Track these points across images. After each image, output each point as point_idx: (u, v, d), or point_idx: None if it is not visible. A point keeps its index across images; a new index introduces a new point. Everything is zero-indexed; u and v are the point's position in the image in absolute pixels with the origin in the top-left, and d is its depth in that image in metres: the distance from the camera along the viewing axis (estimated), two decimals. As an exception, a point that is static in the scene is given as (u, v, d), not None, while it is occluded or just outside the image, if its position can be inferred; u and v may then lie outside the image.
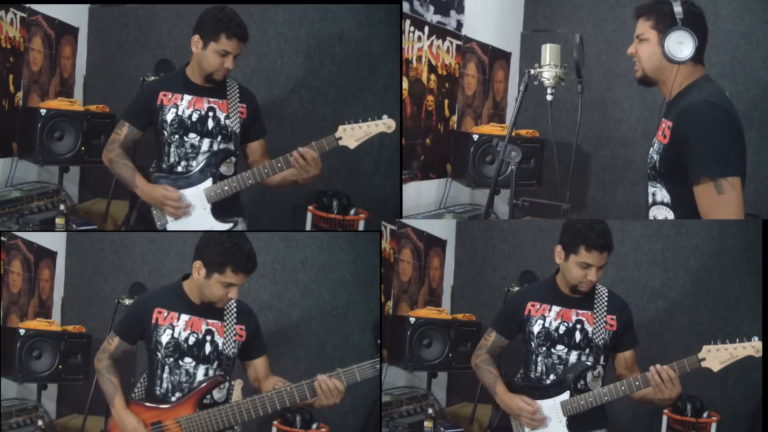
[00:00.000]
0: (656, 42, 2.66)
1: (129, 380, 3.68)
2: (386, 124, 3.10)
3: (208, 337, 2.90)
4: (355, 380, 2.87)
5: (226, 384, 2.91)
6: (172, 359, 2.88)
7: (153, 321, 2.91)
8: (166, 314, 2.91)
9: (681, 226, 4.01)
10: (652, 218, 2.74)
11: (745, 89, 3.93)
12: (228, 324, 2.93)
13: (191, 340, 2.89)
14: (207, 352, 2.90)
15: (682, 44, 2.62)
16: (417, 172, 4.14)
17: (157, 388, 2.90)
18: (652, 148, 2.73)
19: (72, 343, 3.91)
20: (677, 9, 2.62)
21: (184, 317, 2.90)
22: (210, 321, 2.91)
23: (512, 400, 3.05)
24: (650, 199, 2.76)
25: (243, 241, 2.84)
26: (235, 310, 2.95)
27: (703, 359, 2.81)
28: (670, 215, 2.67)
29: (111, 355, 2.98)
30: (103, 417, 3.73)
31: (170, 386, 2.89)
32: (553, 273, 3.11)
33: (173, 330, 2.89)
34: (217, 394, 2.89)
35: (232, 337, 2.92)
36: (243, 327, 2.96)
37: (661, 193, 2.71)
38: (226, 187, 3.15)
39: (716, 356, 2.79)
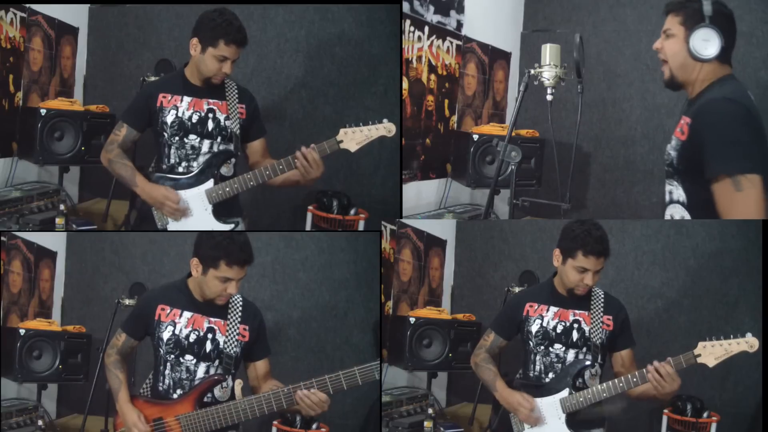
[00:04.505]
0: (683, 38, 2.63)
1: (129, 380, 3.68)
2: (387, 128, 3.11)
3: (209, 335, 2.90)
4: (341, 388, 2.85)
5: (229, 383, 2.91)
6: (173, 356, 2.89)
7: (156, 317, 2.91)
8: (168, 311, 2.91)
9: (681, 226, 4.01)
10: (669, 217, 2.72)
11: (745, 89, 3.93)
12: (231, 323, 2.93)
13: (192, 338, 2.89)
14: (207, 350, 2.90)
15: (707, 42, 2.59)
16: (417, 172, 4.14)
17: (161, 384, 2.91)
18: (669, 145, 2.70)
19: (72, 343, 3.91)
20: (707, 7, 2.60)
21: (187, 314, 2.91)
22: (213, 319, 2.91)
23: (512, 395, 3.08)
24: (667, 197, 2.74)
25: (236, 233, 2.86)
26: (240, 309, 2.95)
27: (699, 355, 2.83)
28: (686, 215, 2.66)
29: (119, 350, 2.99)
30: (103, 417, 3.74)
31: (172, 383, 2.90)
32: (551, 275, 3.14)
33: (174, 327, 2.89)
34: (219, 393, 2.90)
35: (234, 337, 2.92)
36: (246, 327, 2.95)
37: (677, 192, 2.69)
38: (227, 189, 3.15)
39: (711, 352, 2.82)
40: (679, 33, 2.65)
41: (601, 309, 3.05)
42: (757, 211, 2.49)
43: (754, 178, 2.48)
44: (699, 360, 2.83)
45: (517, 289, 3.97)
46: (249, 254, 2.84)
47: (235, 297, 2.95)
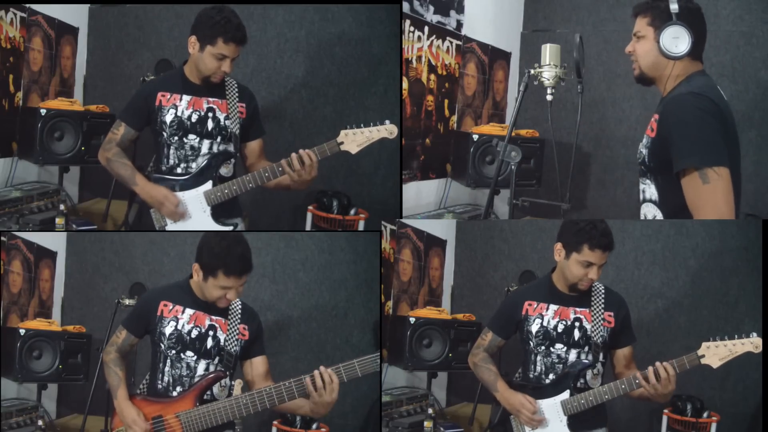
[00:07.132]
0: (652, 38, 2.65)
1: (129, 380, 3.68)
2: (388, 130, 3.08)
3: (211, 332, 2.91)
4: (356, 375, 2.85)
5: (227, 381, 2.92)
6: (174, 351, 2.90)
7: (158, 313, 2.92)
8: (171, 307, 2.93)
9: (681, 226, 4.01)
10: (643, 216, 2.73)
11: (745, 89, 3.93)
12: (232, 321, 2.94)
13: (194, 333, 2.90)
14: (208, 346, 2.91)
15: (677, 39, 2.61)
16: (417, 172, 4.14)
17: (159, 383, 2.92)
18: (641, 143, 2.72)
19: (72, 343, 3.92)
20: (673, 6, 2.62)
21: (189, 311, 2.92)
22: (214, 317, 2.93)
23: (514, 396, 3.04)
24: (641, 196, 2.76)
25: (235, 243, 2.84)
26: (240, 310, 2.96)
27: (703, 356, 2.81)
28: (658, 213, 2.65)
29: (119, 348, 2.99)
30: (103, 417, 3.74)
31: (171, 380, 2.90)
32: (548, 272, 3.10)
33: (177, 322, 2.91)
34: (218, 391, 2.90)
35: (235, 335, 2.93)
36: (246, 327, 2.97)
37: (649, 190, 2.69)
38: (226, 190, 3.13)
39: (715, 353, 2.80)
40: (648, 34, 2.67)
41: (602, 305, 3.01)
42: (724, 203, 2.47)
43: (720, 170, 2.47)
44: (703, 361, 2.80)
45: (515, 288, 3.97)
46: (247, 265, 2.85)
47: (234, 301, 2.97)
